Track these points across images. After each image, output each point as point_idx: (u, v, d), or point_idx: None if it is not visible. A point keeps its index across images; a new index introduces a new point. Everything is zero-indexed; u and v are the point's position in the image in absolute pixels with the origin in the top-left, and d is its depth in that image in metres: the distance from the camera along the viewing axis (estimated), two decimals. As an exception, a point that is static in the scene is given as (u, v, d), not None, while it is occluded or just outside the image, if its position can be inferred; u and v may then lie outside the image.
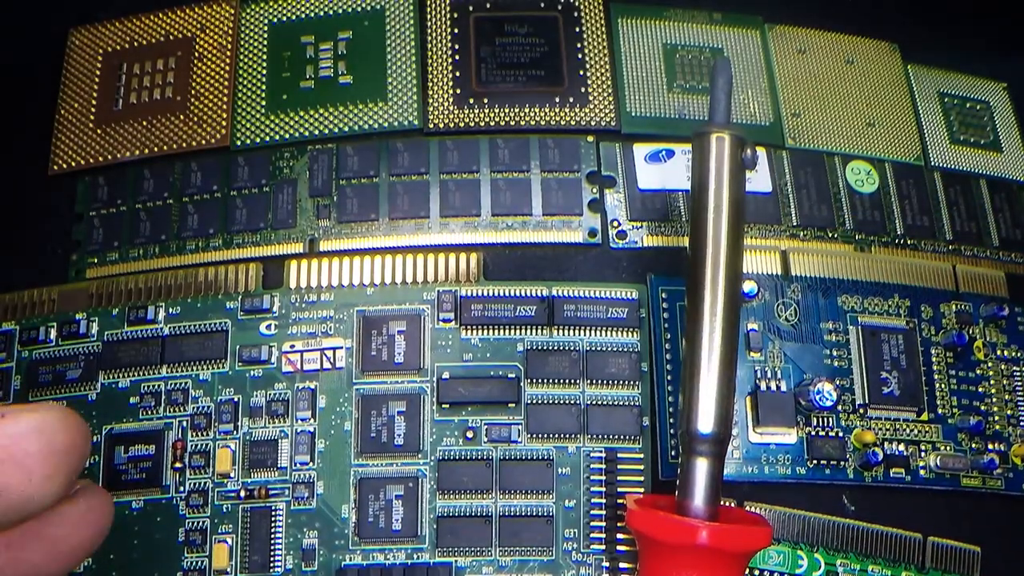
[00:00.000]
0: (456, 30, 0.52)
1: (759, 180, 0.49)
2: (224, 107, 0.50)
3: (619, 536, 0.43)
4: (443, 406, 0.44)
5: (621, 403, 0.44)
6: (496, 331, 0.45)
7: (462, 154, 0.49)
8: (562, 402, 0.44)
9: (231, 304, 0.45)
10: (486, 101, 0.50)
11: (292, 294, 0.46)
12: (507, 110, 0.50)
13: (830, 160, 0.50)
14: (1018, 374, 0.46)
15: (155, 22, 0.53)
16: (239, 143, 0.50)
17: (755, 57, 0.53)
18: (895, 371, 0.45)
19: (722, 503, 0.38)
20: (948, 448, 0.45)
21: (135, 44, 0.52)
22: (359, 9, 0.53)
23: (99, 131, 0.50)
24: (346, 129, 0.50)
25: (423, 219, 0.48)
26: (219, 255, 0.48)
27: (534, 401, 0.44)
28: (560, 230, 0.48)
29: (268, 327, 0.45)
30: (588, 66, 0.51)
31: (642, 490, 0.43)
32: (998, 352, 0.47)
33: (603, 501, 0.43)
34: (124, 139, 0.50)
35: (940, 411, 0.45)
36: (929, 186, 0.51)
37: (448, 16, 0.52)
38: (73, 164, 0.50)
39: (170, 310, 0.45)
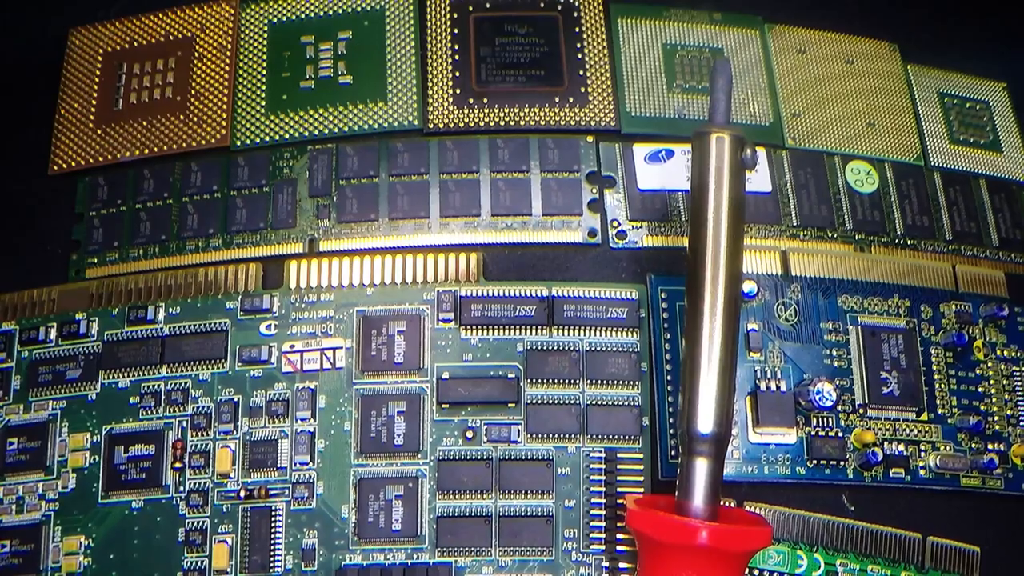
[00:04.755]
0: (456, 30, 0.52)
1: (759, 180, 0.49)
2: (224, 107, 0.50)
3: (619, 536, 0.43)
4: (443, 406, 0.44)
5: (621, 403, 0.44)
6: (496, 331, 0.45)
7: (462, 154, 0.49)
8: (562, 402, 0.44)
9: (231, 304, 0.45)
10: (486, 101, 0.50)
11: (292, 294, 0.46)
12: (507, 110, 0.50)
13: (830, 160, 0.50)
14: (1018, 374, 0.46)
15: (155, 22, 0.53)
16: (239, 143, 0.50)
17: (755, 57, 0.53)
18: (895, 371, 0.45)
19: (722, 503, 0.38)
20: (948, 448, 0.45)
21: (135, 44, 0.52)
22: (359, 9, 0.53)
23: (99, 131, 0.50)
24: (346, 129, 0.50)
25: (423, 219, 0.48)
26: (219, 255, 0.48)
27: (534, 401, 0.44)
28: (560, 230, 0.48)
29: (268, 327, 0.45)
30: (588, 66, 0.51)
31: (642, 490, 0.43)
32: (998, 352, 0.47)
33: (603, 501, 0.43)
34: (124, 139, 0.50)
35: (940, 411, 0.45)
36: (929, 186, 0.51)
37: (448, 16, 0.52)
38: (73, 164, 0.50)
39: (170, 310, 0.45)
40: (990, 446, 0.45)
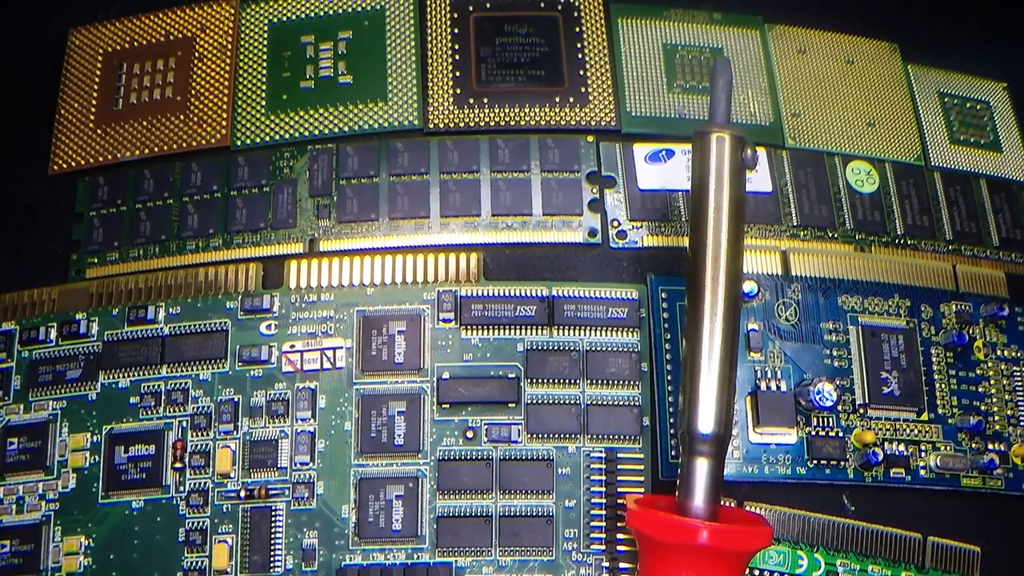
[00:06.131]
0: (456, 30, 0.52)
1: (759, 180, 0.49)
2: (224, 107, 0.50)
3: (619, 536, 0.43)
4: (443, 406, 0.44)
5: (621, 403, 0.44)
6: (496, 331, 0.45)
7: (462, 154, 0.49)
8: (562, 402, 0.44)
9: (231, 304, 0.45)
10: (486, 101, 0.50)
11: (292, 294, 0.46)
12: (507, 110, 0.50)
13: (830, 160, 0.50)
14: (1018, 374, 0.46)
15: (155, 22, 0.53)
16: (239, 143, 0.50)
17: (755, 57, 0.53)
18: (895, 371, 0.45)
19: (722, 503, 0.38)
20: (948, 448, 0.45)
21: (135, 44, 0.52)
22: (359, 9, 0.53)
23: (99, 131, 0.50)
24: (346, 129, 0.50)
25: (423, 219, 0.48)
26: (219, 255, 0.48)
27: (534, 401, 0.44)
28: (560, 230, 0.48)
29: (268, 327, 0.45)
30: (588, 66, 0.51)
31: (642, 490, 0.43)
32: (998, 352, 0.47)
33: (603, 501, 0.43)
34: (124, 139, 0.50)
35: (940, 411, 0.45)
36: (929, 186, 0.51)
37: (448, 16, 0.52)
38: (73, 164, 0.50)
39: (170, 310, 0.45)
40: (990, 446, 0.45)
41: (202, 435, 0.44)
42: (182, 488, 0.43)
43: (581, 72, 0.51)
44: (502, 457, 0.43)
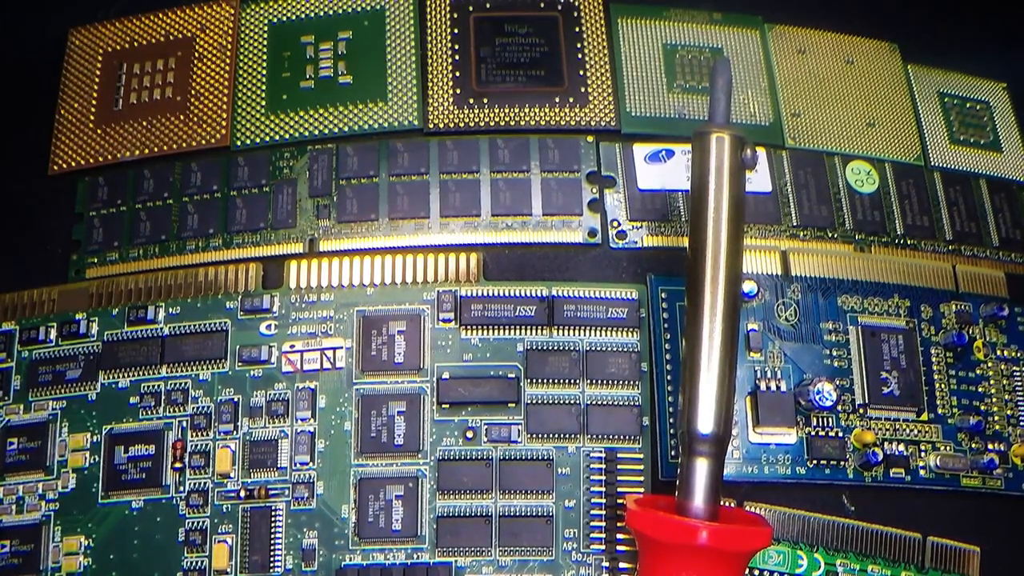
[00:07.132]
0: (456, 30, 0.52)
1: (759, 180, 0.49)
2: (224, 107, 0.50)
3: (619, 536, 0.43)
4: (443, 406, 0.44)
5: (621, 403, 0.44)
6: (496, 331, 0.45)
7: (462, 154, 0.49)
8: (562, 402, 0.44)
9: (231, 304, 0.45)
10: (486, 101, 0.50)
11: (292, 294, 0.46)
12: (507, 110, 0.50)
13: (830, 160, 0.50)
14: (1018, 374, 0.46)
15: (155, 22, 0.53)
16: (239, 143, 0.50)
17: (755, 57, 0.53)
18: (895, 371, 0.45)
19: (722, 503, 0.38)
20: (948, 448, 0.45)
21: (135, 44, 0.52)
22: (359, 9, 0.53)
23: (99, 131, 0.50)
24: (346, 129, 0.50)
25: (423, 219, 0.48)
26: (219, 255, 0.48)
27: (534, 401, 0.44)
28: (560, 230, 0.48)
29: (268, 327, 0.45)
30: (588, 66, 0.51)
31: (642, 490, 0.43)
32: (998, 352, 0.47)
33: (603, 501, 0.43)
34: (124, 139, 0.50)
35: (940, 411, 0.45)
36: (929, 186, 0.51)
37: (448, 16, 0.52)
38: (73, 164, 0.50)
39: (170, 310, 0.45)
40: (990, 446, 0.45)
41: (202, 435, 0.44)
42: (182, 488, 0.43)
43: (581, 72, 0.51)
44: (502, 457, 0.43)
